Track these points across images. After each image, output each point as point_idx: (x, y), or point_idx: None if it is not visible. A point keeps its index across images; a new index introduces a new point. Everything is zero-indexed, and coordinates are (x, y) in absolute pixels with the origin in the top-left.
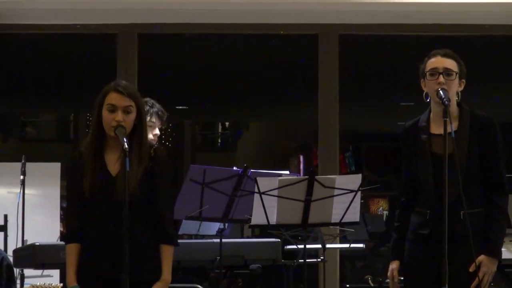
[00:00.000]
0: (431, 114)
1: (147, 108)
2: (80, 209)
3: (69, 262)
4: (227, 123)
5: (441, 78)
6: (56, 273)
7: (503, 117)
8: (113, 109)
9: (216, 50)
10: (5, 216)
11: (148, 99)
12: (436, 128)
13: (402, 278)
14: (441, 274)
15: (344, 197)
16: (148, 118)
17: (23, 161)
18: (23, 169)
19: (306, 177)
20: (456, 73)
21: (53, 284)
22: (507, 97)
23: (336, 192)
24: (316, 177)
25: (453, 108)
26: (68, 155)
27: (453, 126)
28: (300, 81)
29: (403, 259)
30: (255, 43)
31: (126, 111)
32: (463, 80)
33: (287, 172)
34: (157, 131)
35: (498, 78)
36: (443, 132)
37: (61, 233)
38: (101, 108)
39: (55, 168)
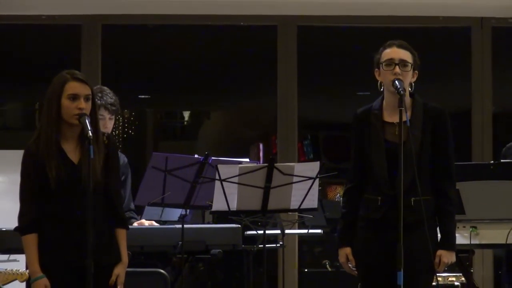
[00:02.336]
0: (384, 103)
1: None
2: (37, 199)
3: (31, 252)
4: (188, 112)
5: (397, 69)
6: (22, 258)
7: (455, 106)
8: (74, 97)
9: (177, 40)
10: None
11: (100, 87)
12: (389, 117)
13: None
14: (396, 259)
15: (303, 184)
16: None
17: None
18: None
19: (266, 164)
20: (411, 65)
21: (20, 270)
22: (460, 87)
23: (295, 179)
24: (275, 164)
25: (407, 99)
26: (27, 145)
27: (401, 119)
28: (260, 71)
29: (355, 244)
30: (216, 33)
31: (86, 98)
32: (416, 72)
33: (247, 159)
34: (109, 124)
35: (453, 68)
36: (399, 121)
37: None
38: (59, 97)
39: (21, 155)
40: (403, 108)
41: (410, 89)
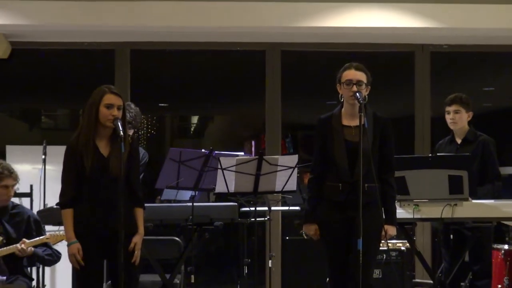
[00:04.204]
0: (343, 110)
1: None
2: (76, 182)
3: (68, 223)
4: (196, 117)
5: (354, 88)
6: None
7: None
8: (109, 106)
9: (188, 62)
10: (31, 186)
11: (127, 104)
12: (347, 121)
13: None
14: (357, 231)
15: (285, 172)
16: None
17: (44, 144)
18: (44, 150)
19: (257, 157)
20: (365, 83)
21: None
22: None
23: (279, 168)
24: (264, 157)
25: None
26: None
27: (360, 122)
28: (252, 85)
29: (319, 221)
30: (218, 56)
31: (118, 108)
32: (369, 87)
33: (242, 153)
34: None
35: (400, 83)
36: (358, 124)
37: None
38: (98, 105)
39: None
40: (362, 113)
41: (364, 101)
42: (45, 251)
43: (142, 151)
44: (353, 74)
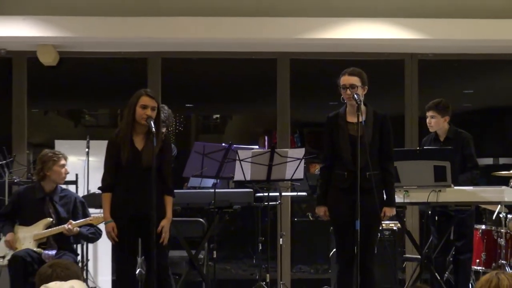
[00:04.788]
0: (347, 109)
1: None
2: (114, 171)
3: (105, 205)
4: (218, 115)
5: (348, 91)
6: None
7: (394, 111)
8: (145, 107)
9: (211, 68)
10: (76, 175)
11: (162, 106)
12: (350, 118)
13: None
14: (355, 212)
15: (293, 163)
16: None
17: (87, 139)
18: (87, 144)
19: (269, 150)
20: (358, 86)
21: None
22: (397, 99)
23: (288, 159)
24: (276, 150)
25: (362, 107)
26: (109, 136)
27: (358, 119)
28: (265, 88)
29: (328, 204)
30: (236, 63)
31: (153, 109)
32: (366, 87)
33: (257, 146)
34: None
35: (392, 87)
36: (357, 121)
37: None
38: (135, 106)
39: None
40: (360, 113)
41: (362, 98)
42: (88, 230)
43: (173, 146)
44: (346, 79)
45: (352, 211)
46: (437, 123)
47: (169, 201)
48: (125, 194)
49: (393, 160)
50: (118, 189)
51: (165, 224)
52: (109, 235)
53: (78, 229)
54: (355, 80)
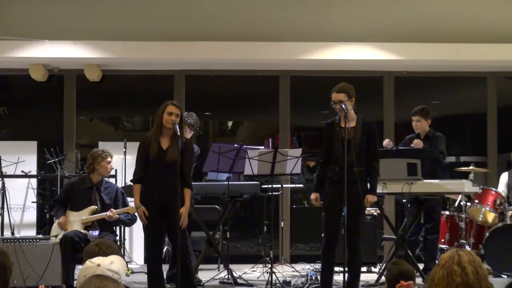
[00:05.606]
0: (340, 117)
1: (185, 119)
2: (144, 166)
3: (136, 194)
4: (231, 122)
5: (337, 106)
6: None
7: (375, 118)
8: (170, 114)
9: (226, 83)
10: (116, 170)
11: (189, 113)
12: (343, 125)
13: (322, 203)
14: (343, 200)
15: (293, 160)
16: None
17: (124, 141)
18: (124, 145)
19: (273, 150)
20: (345, 100)
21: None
22: (376, 108)
23: (288, 157)
24: (278, 150)
25: (353, 115)
26: (142, 138)
27: (353, 124)
28: (270, 99)
29: (323, 193)
30: (246, 80)
31: (177, 115)
32: (353, 98)
33: (263, 147)
34: (188, 135)
35: (373, 98)
36: (350, 126)
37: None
38: (163, 113)
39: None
40: (347, 119)
41: (353, 108)
42: (126, 216)
43: (196, 147)
44: (334, 96)
45: (340, 198)
46: (421, 125)
47: (187, 193)
48: (152, 185)
49: (378, 159)
50: (146, 182)
51: (183, 211)
52: (141, 218)
53: (118, 216)
54: (342, 96)
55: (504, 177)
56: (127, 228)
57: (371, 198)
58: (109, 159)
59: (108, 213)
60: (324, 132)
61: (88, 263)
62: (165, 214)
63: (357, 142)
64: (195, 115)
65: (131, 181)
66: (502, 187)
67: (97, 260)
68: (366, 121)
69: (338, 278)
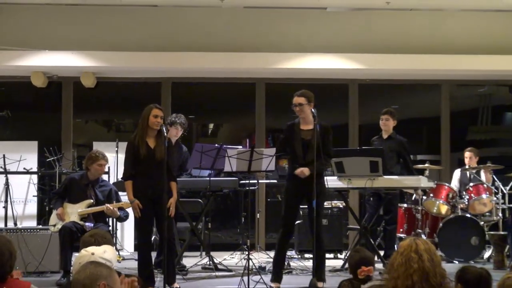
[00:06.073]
0: (300, 120)
1: (175, 119)
2: (133, 164)
3: (129, 190)
4: (212, 124)
5: (297, 108)
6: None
7: (340, 121)
8: (156, 116)
9: (208, 89)
10: (108, 167)
11: (178, 114)
12: (303, 127)
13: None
14: (311, 194)
15: (267, 159)
16: (175, 126)
17: (117, 141)
18: (116, 145)
19: (250, 149)
20: (304, 104)
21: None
22: (342, 112)
23: (264, 156)
24: (255, 149)
25: (311, 118)
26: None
27: (311, 126)
28: (247, 104)
29: (284, 188)
30: (225, 86)
31: (161, 117)
32: (312, 103)
33: (241, 147)
34: (179, 133)
35: (339, 103)
36: (309, 129)
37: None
38: (149, 116)
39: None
40: (316, 122)
41: (311, 113)
42: (123, 213)
43: (185, 148)
44: (295, 99)
45: (298, 194)
46: (389, 124)
47: (174, 185)
48: (145, 181)
49: (331, 157)
50: (140, 177)
51: (172, 202)
52: (135, 211)
53: (117, 210)
54: (302, 100)
55: (457, 173)
56: None
57: (306, 171)
58: (100, 162)
59: (108, 206)
60: (284, 132)
61: (83, 251)
62: (155, 206)
63: (314, 142)
64: (183, 116)
65: (122, 178)
66: (455, 183)
67: (91, 249)
68: (322, 124)
69: (308, 263)
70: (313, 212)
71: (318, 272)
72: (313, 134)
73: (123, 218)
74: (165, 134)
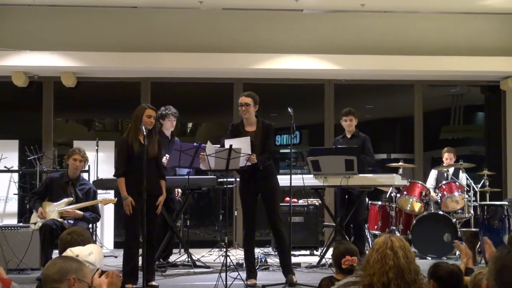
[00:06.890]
0: (244, 121)
1: (166, 111)
2: (126, 162)
3: (122, 186)
4: (191, 123)
5: (242, 108)
6: (111, 191)
7: (316, 121)
8: (149, 116)
9: (187, 88)
10: (89, 166)
11: (166, 106)
12: (247, 128)
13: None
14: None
15: (245, 157)
16: (168, 117)
17: (97, 140)
18: (97, 144)
19: (228, 148)
20: (250, 104)
21: (111, 198)
22: (318, 112)
23: (241, 155)
24: (232, 147)
25: (254, 118)
26: (120, 137)
27: (254, 127)
28: (225, 103)
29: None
30: (205, 86)
31: (154, 117)
32: (257, 106)
33: (219, 145)
34: (174, 123)
35: (314, 103)
36: (251, 130)
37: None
38: (142, 115)
39: (111, 144)
40: (292, 121)
41: (256, 114)
42: (91, 215)
43: (179, 142)
44: (242, 99)
45: (250, 190)
46: (353, 125)
47: (163, 183)
48: (139, 177)
49: (271, 153)
50: (134, 174)
51: (161, 199)
52: (127, 208)
53: (82, 213)
54: (248, 100)
55: (433, 172)
56: None
57: (253, 158)
58: (75, 156)
59: (65, 208)
60: (230, 131)
61: (68, 251)
62: (146, 202)
63: (258, 142)
64: (171, 106)
65: (114, 175)
66: (431, 181)
67: (76, 249)
68: (265, 123)
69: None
70: (270, 210)
71: (286, 267)
72: (256, 136)
73: (90, 220)
74: (157, 130)
